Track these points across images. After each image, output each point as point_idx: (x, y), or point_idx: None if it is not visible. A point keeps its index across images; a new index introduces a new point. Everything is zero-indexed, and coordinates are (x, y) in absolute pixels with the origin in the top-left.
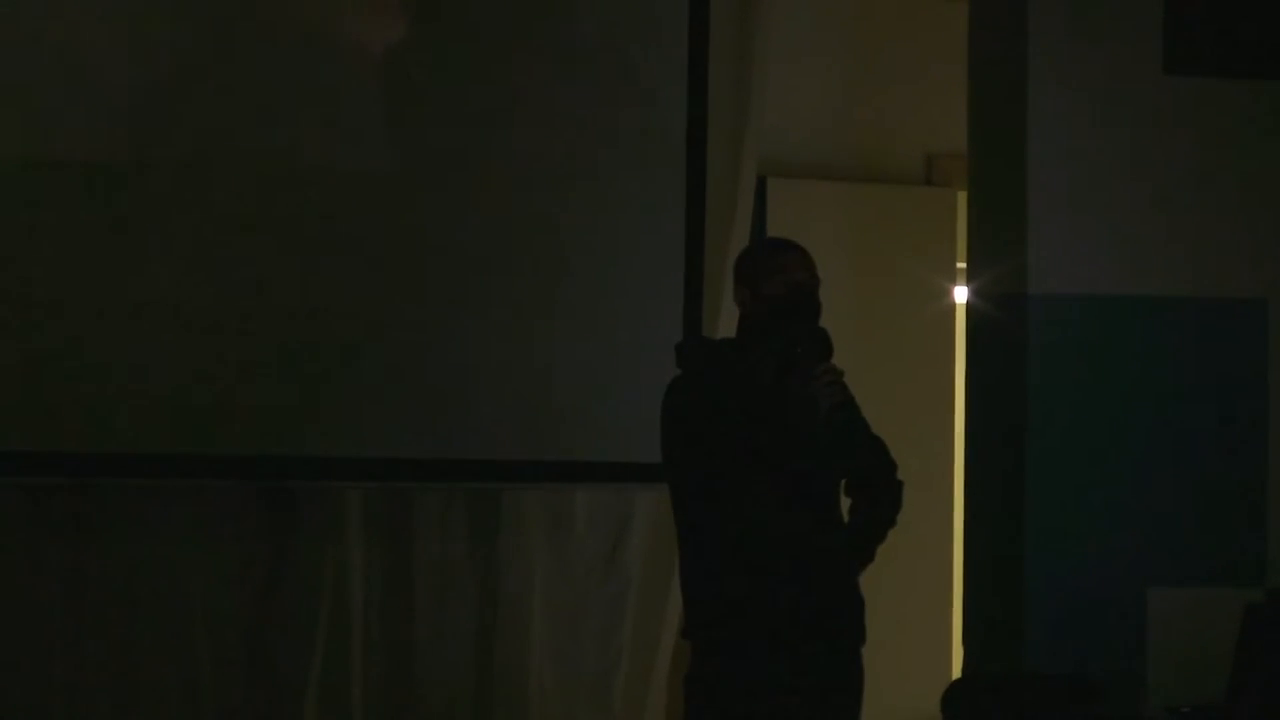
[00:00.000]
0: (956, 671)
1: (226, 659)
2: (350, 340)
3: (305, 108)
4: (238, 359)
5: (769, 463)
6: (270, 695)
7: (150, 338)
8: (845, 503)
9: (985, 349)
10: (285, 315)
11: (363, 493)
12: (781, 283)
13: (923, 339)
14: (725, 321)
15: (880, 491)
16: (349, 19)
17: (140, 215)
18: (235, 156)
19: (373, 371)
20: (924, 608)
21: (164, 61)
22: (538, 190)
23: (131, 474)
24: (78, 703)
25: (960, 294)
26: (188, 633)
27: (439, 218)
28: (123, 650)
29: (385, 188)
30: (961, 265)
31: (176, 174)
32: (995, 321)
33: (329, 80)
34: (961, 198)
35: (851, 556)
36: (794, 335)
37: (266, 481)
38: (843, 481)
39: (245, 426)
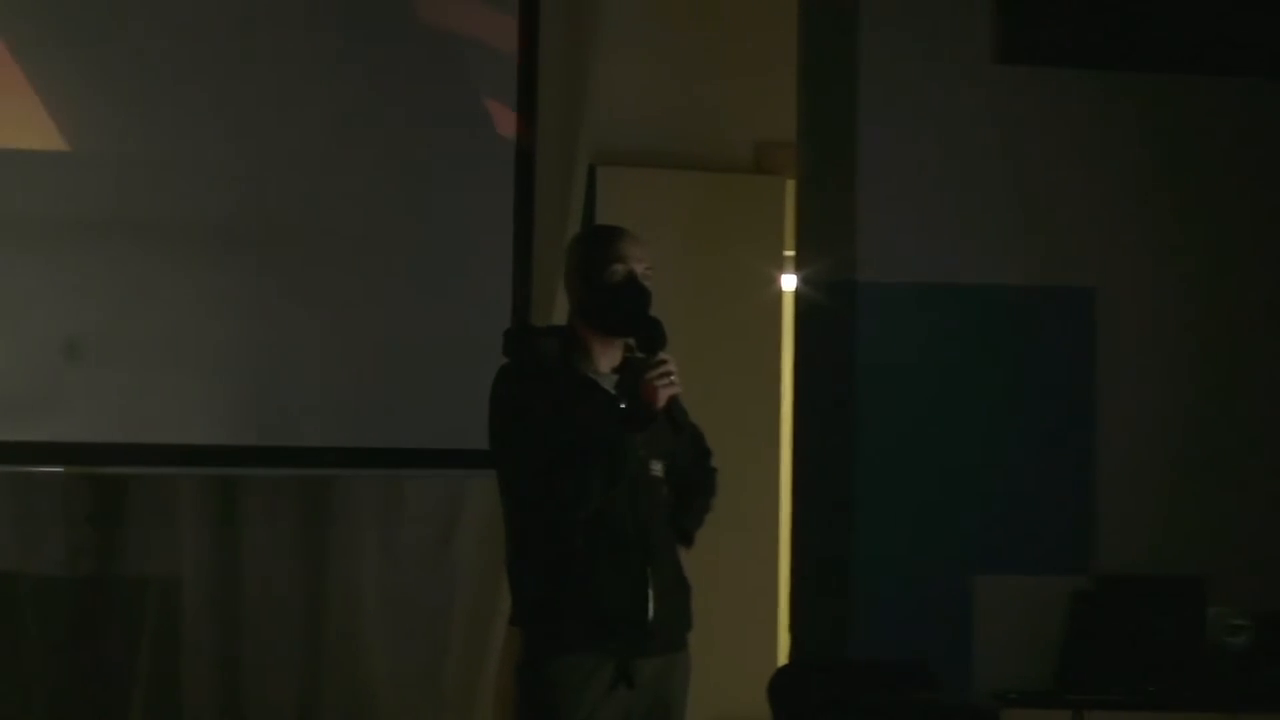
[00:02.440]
0: (784, 661)
1: (54, 647)
2: (180, 325)
3: (141, 99)
4: (66, 343)
5: (596, 451)
6: (98, 684)
7: None
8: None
9: (813, 337)
10: (116, 300)
11: (192, 480)
12: (611, 271)
13: (751, 326)
14: (560, 309)
15: (696, 478)
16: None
17: None
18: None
19: (203, 357)
20: (750, 596)
21: None
22: (368, 179)
23: None
24: None
25: (789, 282)
26: (15, 622)
27: (268, 206)
28: None
29: (217, 177)
30: (790, 253)
31: None
32: (824, 309)
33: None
34: (790, 186)
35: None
36: (626, 325)
37: (94, 467)
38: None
39: (72, 412)
